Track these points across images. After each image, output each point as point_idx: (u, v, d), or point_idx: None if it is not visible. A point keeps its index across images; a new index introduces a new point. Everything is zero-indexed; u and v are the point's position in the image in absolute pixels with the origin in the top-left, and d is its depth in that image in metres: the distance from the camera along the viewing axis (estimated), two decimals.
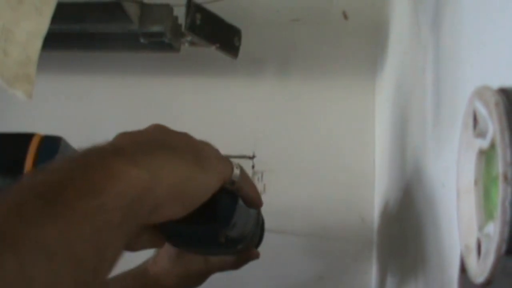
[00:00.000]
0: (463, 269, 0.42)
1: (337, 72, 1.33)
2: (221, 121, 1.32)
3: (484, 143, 0.39)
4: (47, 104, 1.30)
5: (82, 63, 1.34)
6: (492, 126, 0.37)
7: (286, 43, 1.33)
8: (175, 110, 1.34)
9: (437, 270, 0.65)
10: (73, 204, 0.37)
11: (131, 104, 1.35)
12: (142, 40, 1.09)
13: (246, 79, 1.33)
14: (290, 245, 1.26)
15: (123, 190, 0.40)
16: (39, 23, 0.79)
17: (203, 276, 0.80)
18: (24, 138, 0.54)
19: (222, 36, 1.08)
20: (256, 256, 0.80)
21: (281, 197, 1.26)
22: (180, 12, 1.06)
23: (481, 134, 0.40)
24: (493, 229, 0.36)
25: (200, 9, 1.03)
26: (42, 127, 1.31)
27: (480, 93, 0.39)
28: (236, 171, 0.56)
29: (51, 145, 0.54)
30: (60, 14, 0.81)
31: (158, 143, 0.49)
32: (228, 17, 1.11)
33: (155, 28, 1.07)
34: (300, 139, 1.31)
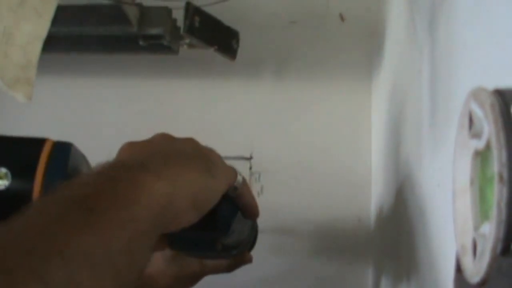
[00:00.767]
0: (458, 269, 0.42)
1: (333, 73, 1.34)
2: (219, 122, 1.32)
3: (480, 144, 0.39)
4: (47, 106, 1.30)
5: (82, 65, 1.34)
6: (488, 127, 0.37)
7: (283, 45, 1.34)
8: (174, 111, 1.34)
9: (432, 269, 0.66)
10: (108, 214, 0.40)
11: (130, 106, 1.35)
12: (141, 43, 1.10)
13: (244, 81, 1.34)
14: (287, 245, 1.26)
15: (150, 202, 0.43)
16: (39, 26, 0.80)
17: (197, 277, 0.81)
18: (37, 143, 0.55)
19: (221, 38, 1.09)
20: (249, 260, 0.81)
21: (278, 198, 1.27)
22: (179, 15, 1.07)
23: (476, 135, 0.40)
24: (489, 229, 0.36)
25: (198, 12, 1.03)
26: (42, 128, 1.31)
27: (475, 94, 0.39)
28: (239, 178, 0.58)
29: (63, 150, 0.55)
30: (60, 17, 0.82)
31: (171, 153, 0.51)
32: (226, 20, 1.11)
33: (155, 31, 1.07)
34: (297, 140, 1.31)
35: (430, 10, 0.73)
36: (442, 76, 0.66)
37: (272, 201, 1.25)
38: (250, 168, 1.29)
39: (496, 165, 0.35)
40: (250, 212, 0.64)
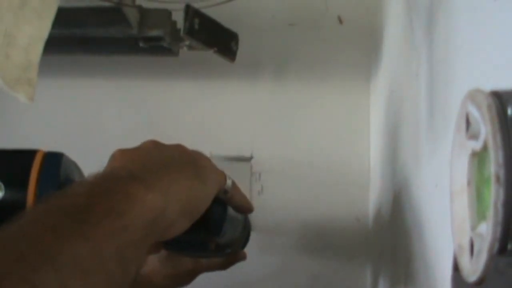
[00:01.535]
0: (456, 268, 0.42)
1: (332, 75, 1.34)
2: (220, 123, 1.32)
3: (477, 145, 0.39)
4: (47, 107, 1.30)
5: (82, 66, 1.35)
6: (485, 128, 0.37)
7: (282, 47, 1.34)
8: (174, 112, 1.34)
9: (430, 268, 0.66)
10: (100, 224, 0.40)
11: (130, 107, 1.36)
12: (141, 44, 1.10)
13: (243, 82, 1.34)
14: (286, 245, 1.26)
15: (141, 212, 0.44)
16: (40, 27, 0.80)
17: (192, 276, 0.82)
18: (29, 154, 0.56)
19: (220, 40, 1.09)
20: (243, 257, 0.82)
21: (278, 197, 1.27)
22: (178, 17, 1.07)
23: (473, 136, 0.40)
24: (486, 229, 0.37)
25: (198, 14, 1.03)
26: (42, 130, 1.32)
27: (472, 96, 0.39)
28: (229, 181, 0.59)
29: (54, 160, 0.56)
30: (61, 18, 0.82)
31: (161, 162, 0.52)
32: (226, 22, 1.12)
33: (154, 33, 1.07)
34: (297, 141, 1.32)
35: (428, 13, 0.73)
36: (439, 78, 0.66)
37: (272, 200, 1.26)
38: (251, 168, 1.30)
39: (493, 166, 0.35)
40: (243, 210, 0.65)
